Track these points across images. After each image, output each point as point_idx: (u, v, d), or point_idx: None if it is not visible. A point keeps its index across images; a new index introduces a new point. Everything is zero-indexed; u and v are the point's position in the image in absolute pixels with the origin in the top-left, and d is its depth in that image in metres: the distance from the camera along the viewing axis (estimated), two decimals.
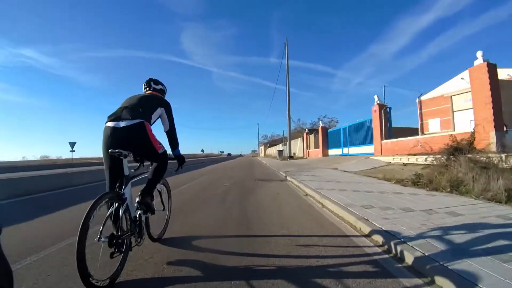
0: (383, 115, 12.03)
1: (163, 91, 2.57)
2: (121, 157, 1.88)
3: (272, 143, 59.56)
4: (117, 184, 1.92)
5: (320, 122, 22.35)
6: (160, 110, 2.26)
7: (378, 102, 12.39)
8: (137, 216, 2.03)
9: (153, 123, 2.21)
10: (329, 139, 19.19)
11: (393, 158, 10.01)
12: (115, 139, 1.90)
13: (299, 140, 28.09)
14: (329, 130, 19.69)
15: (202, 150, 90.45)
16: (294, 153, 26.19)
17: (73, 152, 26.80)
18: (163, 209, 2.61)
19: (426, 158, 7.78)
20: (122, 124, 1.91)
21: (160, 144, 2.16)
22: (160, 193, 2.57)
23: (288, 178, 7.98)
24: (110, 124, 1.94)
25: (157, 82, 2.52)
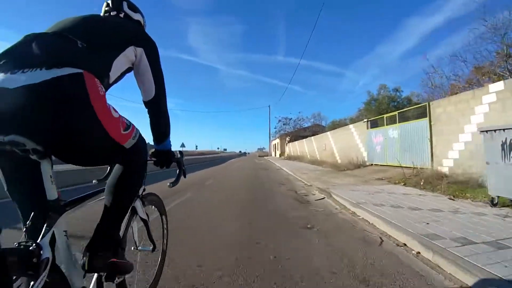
0: None
1: (140, 26, 1.34)
2: (32, 156, 0.73)
3: (297, 134, 33.18)
4: (27, 224, 0.76)
5: None
6: (132, 52, 1.04)
7: None
8: None
9: (115, 81, 1.07)
10: None
11: None
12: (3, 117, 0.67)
13: None
14: None
15: (182, 146, 42.02)
16: None
17: None
18: (153, 249, 1.39)
19: None
20: (21, 79, 0.67)
21: (128, 123, 0.94)
22: (146, 221, 1.31)
23: None
24: None
25: (134, 6, 1.30)
